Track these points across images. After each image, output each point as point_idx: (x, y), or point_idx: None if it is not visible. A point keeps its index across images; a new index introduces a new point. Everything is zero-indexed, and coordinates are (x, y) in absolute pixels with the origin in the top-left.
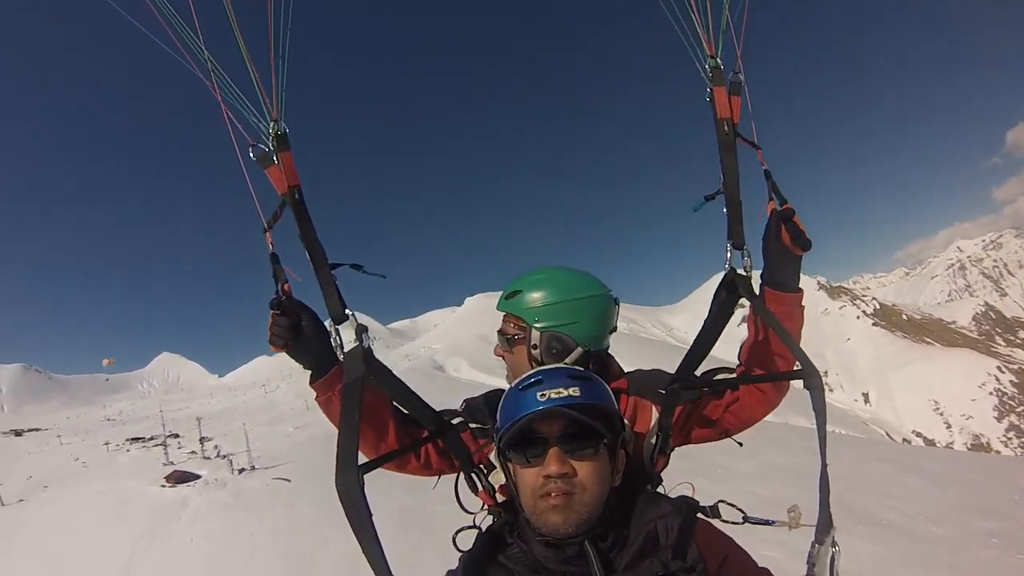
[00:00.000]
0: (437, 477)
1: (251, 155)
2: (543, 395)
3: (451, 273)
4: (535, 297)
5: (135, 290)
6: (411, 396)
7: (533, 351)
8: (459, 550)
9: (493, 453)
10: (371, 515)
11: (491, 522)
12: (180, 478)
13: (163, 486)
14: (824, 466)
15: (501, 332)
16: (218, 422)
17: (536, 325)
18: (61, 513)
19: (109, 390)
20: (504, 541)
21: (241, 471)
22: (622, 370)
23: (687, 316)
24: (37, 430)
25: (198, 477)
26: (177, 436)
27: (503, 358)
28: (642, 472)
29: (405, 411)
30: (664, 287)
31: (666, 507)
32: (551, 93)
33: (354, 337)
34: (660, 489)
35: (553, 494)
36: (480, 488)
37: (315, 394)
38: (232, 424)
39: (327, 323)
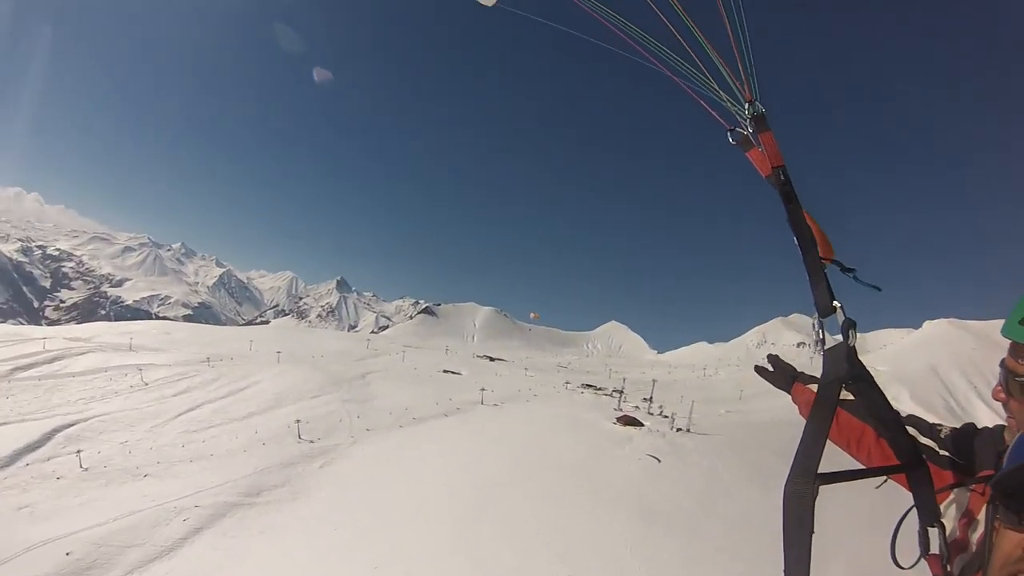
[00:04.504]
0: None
1: (730, 140)
2: None
3: (912, 291)
4: None
5: (599, 269)
6: (889, 411)
7: None
8: None
9: (949, 499)
10: (813, 532)
11: None
12: (628, 421)
13: (614, 423)
14: None
15: (1011, 370)
16: (657, 390)
17: None
18: (530, 418)
19: (559, 343)
20: None
21: (678, 430)
22: None
23: None
24: (503, 360)
25: (642, 425)
26: (621, 392)
27: (1006, 403)
28: None
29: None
30: None
31: None
32: None
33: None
34: None
35: None
36: (932, 550)
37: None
38: (669, 394)
39: (813, 317)
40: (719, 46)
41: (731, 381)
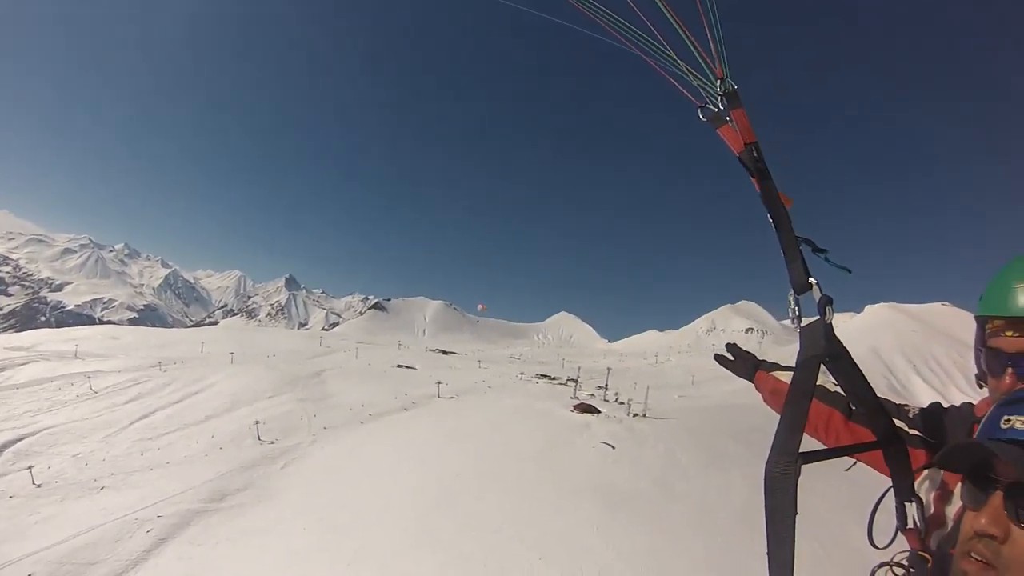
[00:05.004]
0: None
1: (701, 117)
2: (1007, 422)
3: (851, 276)
4: None
5: (547, 260)
6: (866, 389)
7: None
8: None
9: (922, 477)
10: (796, 512)
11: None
12: (585, 409)
13: (571, 411)
14: None
15: (998, 349)
16: (611, 377)
17: None
18: (487, 409)
19: (510, 335)
20: None
21: (635, 415)
22: None
23: None
24: (456, 353)
25: (599, 411)
26: (576, 380)
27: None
28: None
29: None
30: None
31: None
32: None
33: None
34: None
35: (972, 555)
36: (909, 524)
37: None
38: (622, 382)
39: (790, 294)
40: (689, 22)
41: (682, 367)
